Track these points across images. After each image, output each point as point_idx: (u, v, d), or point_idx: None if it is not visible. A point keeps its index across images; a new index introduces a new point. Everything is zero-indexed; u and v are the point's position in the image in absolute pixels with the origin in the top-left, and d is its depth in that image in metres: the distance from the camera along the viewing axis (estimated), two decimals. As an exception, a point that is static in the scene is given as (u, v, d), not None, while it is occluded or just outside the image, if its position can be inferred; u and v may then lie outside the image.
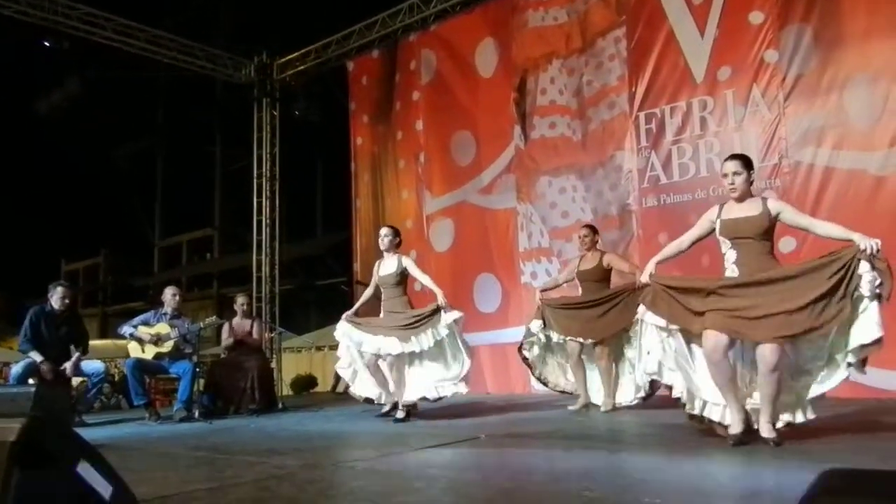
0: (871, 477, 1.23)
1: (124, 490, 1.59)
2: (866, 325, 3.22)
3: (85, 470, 1.47)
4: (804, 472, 2.77)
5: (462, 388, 5.33)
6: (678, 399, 3.64)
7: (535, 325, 5.78)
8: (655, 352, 3.60)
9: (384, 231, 5.70)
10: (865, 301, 3.23)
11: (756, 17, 6.35)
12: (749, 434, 3.43)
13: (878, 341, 3.22)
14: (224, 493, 2.86)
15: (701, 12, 6.69)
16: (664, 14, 6.93)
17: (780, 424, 3.49)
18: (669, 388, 3.67)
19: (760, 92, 6.35)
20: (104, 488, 1.52)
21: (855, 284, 3.23)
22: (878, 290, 3.18)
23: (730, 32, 6.52)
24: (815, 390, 3.48)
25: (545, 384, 6.01)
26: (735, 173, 3.62)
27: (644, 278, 3.76)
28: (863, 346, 3.25)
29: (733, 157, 3.76)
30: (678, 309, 3.55)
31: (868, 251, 3.20)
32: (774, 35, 6.25)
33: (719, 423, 3.56)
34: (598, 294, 5.51)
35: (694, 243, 3.91)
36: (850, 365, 3.32)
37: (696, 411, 3.60)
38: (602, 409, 5.41)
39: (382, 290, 5.67)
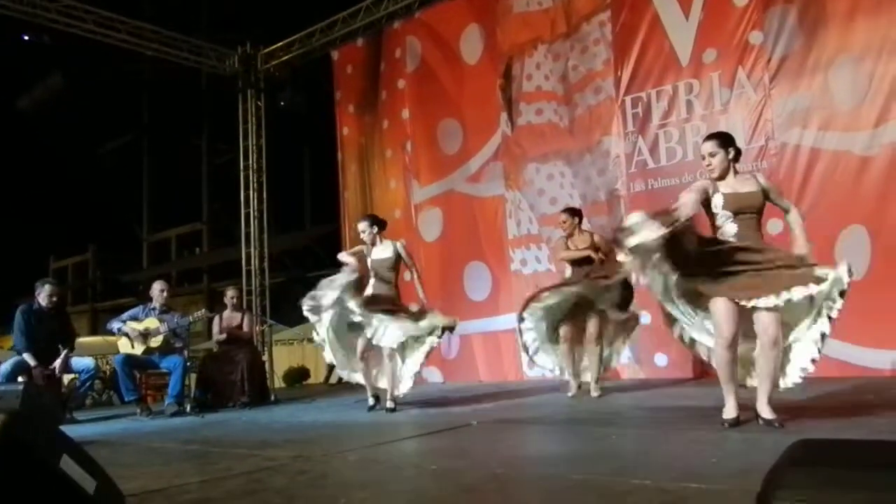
0: (839, 446, 1.24)
1: (108, 484, 1.58)
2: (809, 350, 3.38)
3: (67, 465, 1.46)
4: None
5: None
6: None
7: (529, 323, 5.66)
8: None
9: (361, 226, 5.51)
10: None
11: (740, -1, 6.34)
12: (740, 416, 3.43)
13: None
14: (216, 486, 2.85)
15: (685, -5, 6.67)
16: (649, -3, 6.91)
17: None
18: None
19: (746, 74, 6.34)
20: (88, 483, 1.50)
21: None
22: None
23: (714, 15, 6.50)
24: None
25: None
26: (710, 154, 3.59)
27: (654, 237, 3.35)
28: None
29: (709, 136, 3.71)
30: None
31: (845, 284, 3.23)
32: (759, 16, 6.24)
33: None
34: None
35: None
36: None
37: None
38: (593, 394, 5.41)
39: (375, 275, 5.49)
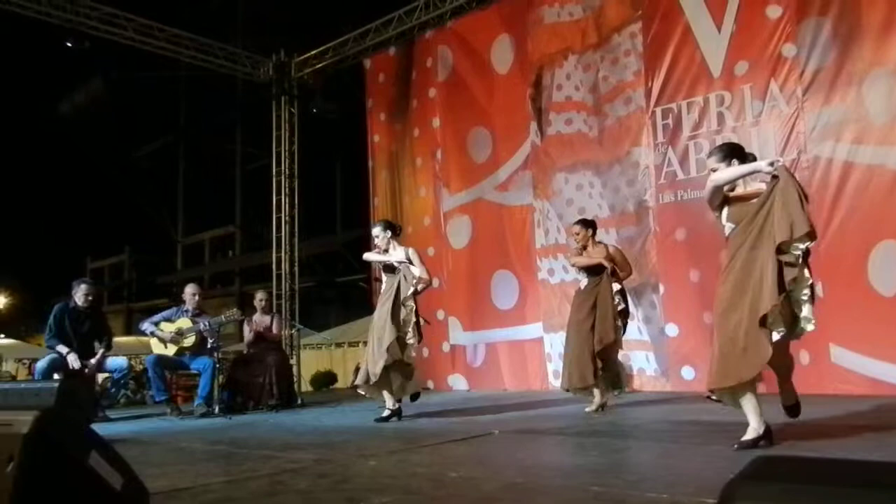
0: (799, 463, 1.25)
1: (135, 481, 1.64)
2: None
3: (96, 462, 1.52)
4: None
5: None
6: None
7: None
8: None
9: (375, 231, 5.52)
10: None
11: (773, 11, 6.29)
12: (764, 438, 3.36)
13: None
14: (239, 487, 2.92)
15: (717, 6, 6.65)
16: (680, 8, 6.89)
17: None
18: None
19: (778, 86, 6.29)
20: (115, 480, 1.57)
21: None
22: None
23: (747, 26, 6.46)
24: None
25: None
26: (713, 171, 3.49)
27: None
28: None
29: (712, 151, 3.58)
30: None
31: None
32: (792, 29, 6.19)
33: None
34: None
35: None
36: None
37: None
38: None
39: (386, 277, 5.53)
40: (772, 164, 3.25)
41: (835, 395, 5.47)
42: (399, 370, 5.31)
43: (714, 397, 3.34)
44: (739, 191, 3.47)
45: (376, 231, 5.54)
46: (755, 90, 6.43)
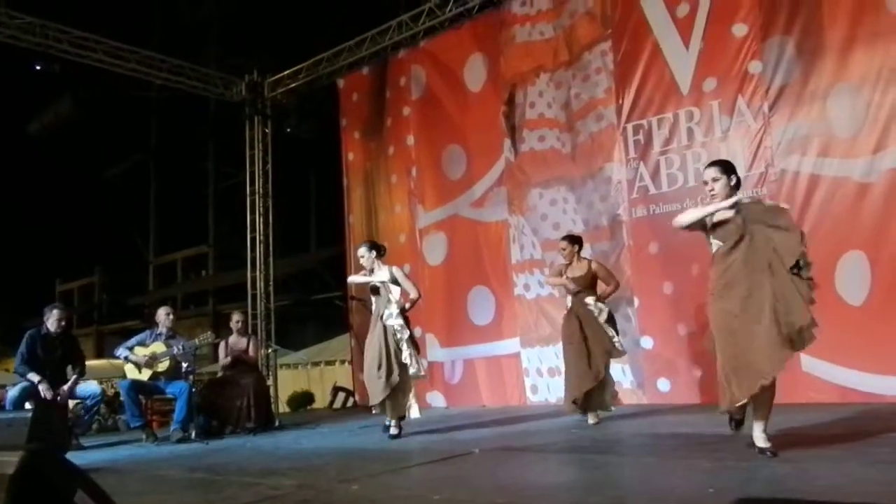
0: None
1: (120, 518, 1.63)
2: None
3: (82, 499, 1.51)
4: (793, 479, 2.82)
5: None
6: None
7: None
8: None
9: (361, 251, 5.59)
10: None
11: (739, 30, 6.44)
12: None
13: None
14: (220, 515, 2.90)
15: (685, 25, 6.79)
16: (649, 27, 7.02)
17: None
18: None
19: (745, 102, 6.43)
20: (100, 517, 1.56)
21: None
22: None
23: (714, 44, 6.61)
24: None
25: None
26: (714, 179, 3.62)
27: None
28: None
29: (712, 163, 3.75)
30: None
31: None
32: (758, 47, 6.34)
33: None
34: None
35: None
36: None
37: None
38: (590, 421, 5.43)
39: (374, 299, 5.61)
40: (734, 205, 3.44)
41: (806, 404, 5.57)
42: (399, 390, 5.35)
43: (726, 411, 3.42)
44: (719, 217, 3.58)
45: (362, 251, 5.59)
46: (723, 106, 6.57)
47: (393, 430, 5.33)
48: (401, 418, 5.40)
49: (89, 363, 7.79)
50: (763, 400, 3.38)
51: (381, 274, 5.52)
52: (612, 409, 5.61)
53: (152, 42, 10.71)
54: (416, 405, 5.54)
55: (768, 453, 3.29)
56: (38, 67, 9.13)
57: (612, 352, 5.43)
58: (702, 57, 6.70)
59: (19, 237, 25.69)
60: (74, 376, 6.30)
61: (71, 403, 6.63)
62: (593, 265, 5.63)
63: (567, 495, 2.78)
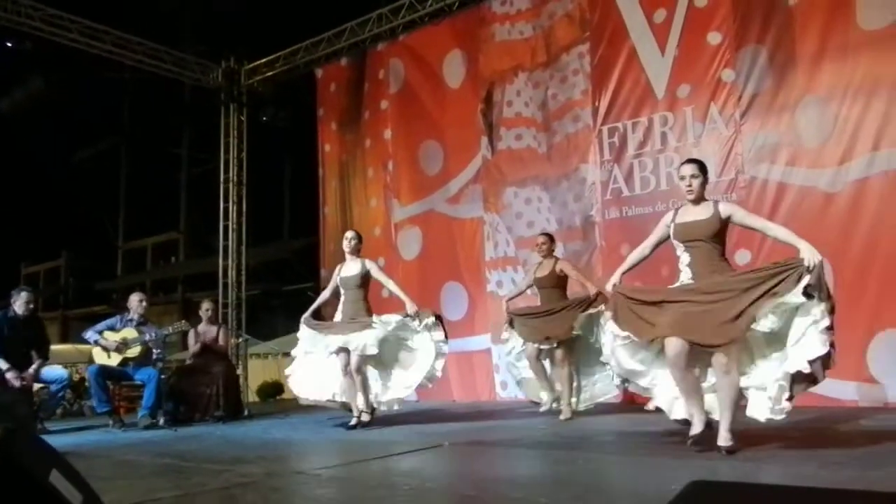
0: (730, 489, 1.36)
1: (93, 498, 1.65)
2: (810, 343, 3.33)
3: (56, 479, 1.53)
4: (750, 476, 2.92)
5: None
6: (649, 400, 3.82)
7: (505, 335, 5.96)
8: (622, 359, 3.75)
9: (350, 234, 5.85)
10: (806, 321, 3.34)
11: (714, 38, 6.57)
12: (708, 432, 3.54)
13: (819, 364, 3.32)
14: (189, 501, 2.92)
15: (661, 31, 6.90)
16: (626, 32, 7.12)
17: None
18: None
19: (718, 109, 6.56)
20: (74, 496, 1.58)
21: (793, 286, 3.34)
22: (808, 291, 3.30)
23: (689, 51, 6.73)
24: (756, 410, 3.59)
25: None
26: (692, 176, 3.75)
27: (608, 288, 3.91)
28: (804, 364, 3.34)
29: (690, 161, 3.90)
30: (638, 322, 3.68)
31: (810, 265, 3.34)
32: (731, 55, 6.47)
33: (684, 420, 3.69)
34: (555, 303, 5.70)
35: (655, 248, 4.06)
36: (791, 386, 3.39)
37: (664, 408, 3.78)
38: (561, 417, 5.53)
39: (343, 291, 5.74)
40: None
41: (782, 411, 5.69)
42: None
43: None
44: (682, 219, 3.76)
45: (352, 234, 5.88)
46: (696, 112, 6.69)
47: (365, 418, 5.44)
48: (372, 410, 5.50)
49: (55, 347, 7.70)
50: (722, 397, 3.49)
51: (352, 266, 5.64)
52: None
53: (128, 23, 10.52)
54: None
55: (724, 452, 3.38)
56: (8, 45, 8.95)
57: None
58: (677, 63, 6.81)
59: (-17, 217, 25.13)
60: (39, 360, 6.24)
61: (36, 387, 6.56)
62: (558, 266, 5.78)
63: (534, 490, 2.84)
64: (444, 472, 3.43)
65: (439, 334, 5.50)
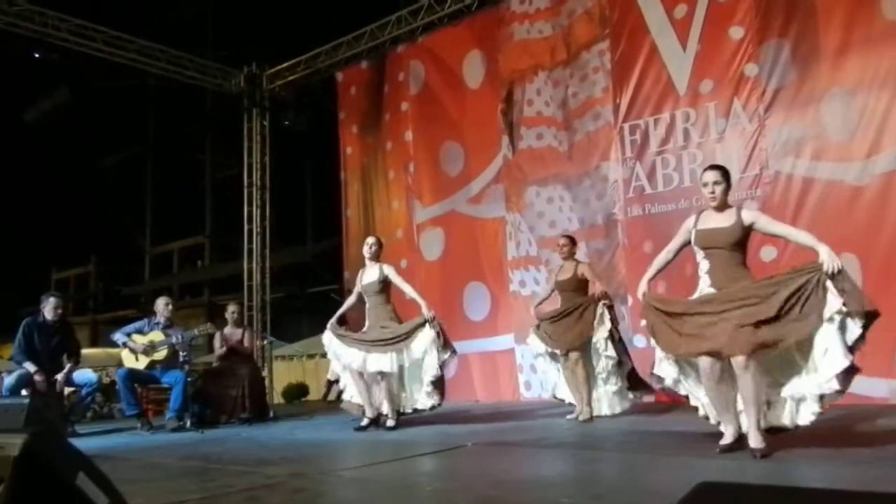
0: (736, 490, 1.34)
1: (119, 499, 1.68)
2: (834, 356, 3.28)
3: (83, 482, 1.56)
4: (774, 477, 2.88)
5: (435, 400, 5.48)
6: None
7: (532, 341, 5.92)
8: (668, 370, 3.72)
9: (371, 240, 5.86)
10: (833, 330, 3.28)
11: (736, 32, 6.49)
12: (739, 443, 3.50)
13: (844, 376, 3.26)
14: (214, 503, 2.95)
15: (683, 26, 6.83)
16: (647, 28, 7.06)
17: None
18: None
19: (741, 104, 6.49)
20: (101, 499, 1.60)
21: (822, 304, 3.28)
22: (844, 310, 3.24)
23: (711, 46, 6.66)
24: (788, 417, 3.54)
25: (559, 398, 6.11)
26: (715, 183, 3.71)
27: (639, 297, 3.87)
28: (832, 379, 3.27)
29: (713, 167, 3.85)
30: (670, 335, 3.64)
31: (830, 271, 3.29)
32: (754, 49, 6.39)
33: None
34: (569, 304, 5.66)
35: (678, 252, 4.01)
36: (821, 398, 3.36)
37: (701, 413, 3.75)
38: (580, 418, 5.50)
39: (367, 298, 5.80)
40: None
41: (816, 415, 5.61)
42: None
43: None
44: (703, 226, 3.73)
45: (373, 240, 5.89)
46: (719, 108, 6.62)
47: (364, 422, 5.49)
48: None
49: (85, 351, 7.83)
50: (745, 396, 3.45)
51: (371, 273, 5.68)
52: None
53: (151, 31, 10.68)
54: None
55: (757, 455, 3.31)
56: (36, 55, 9.12)
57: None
58: (698, 59, 6.74)
59: (16, 225, 25.64)
60: (69, 364, 6.35)
61: (67, 391, 6.67)
62: (579, 269, 5.74)
63: (555, 490, 2.83)
64: (467, 472, 3.43)
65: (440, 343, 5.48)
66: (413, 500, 2.79)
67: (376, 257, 5.79)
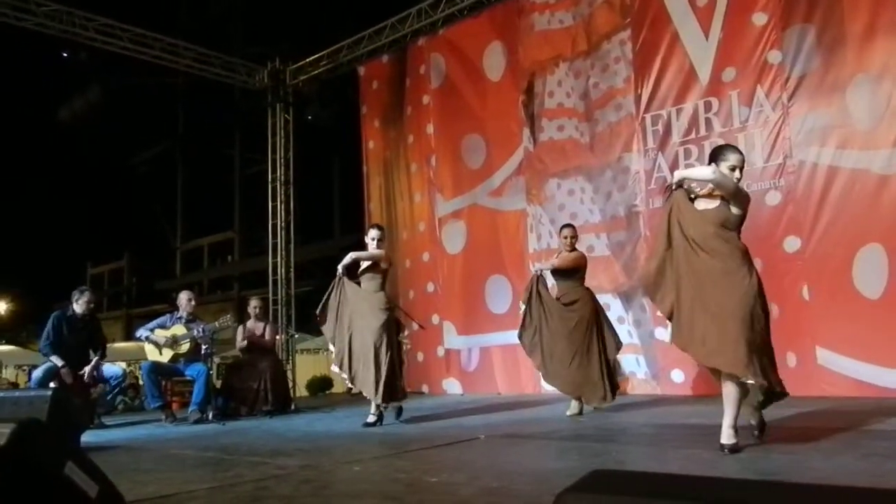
0: (630, 477, 1.32)
1: (110, 489, 1.71)
2: None
3: (72, 471, 1.59)
4: (785, 469, 2.83)
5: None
6: None
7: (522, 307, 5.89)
8: None
9: (374, 233, 5.85)
10: None
11: (759, 19, 6.36)
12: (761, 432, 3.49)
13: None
14: (223, 493, 2.99)
15: (705, 14, 6.71)
16: (668, 16, 6.95)
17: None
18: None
19: (765, 92, 6.36)
20: (90, 488, 1.63)
21: None
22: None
23: (734, 34, 6.53)
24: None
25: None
26: (741, 168, 3.54)
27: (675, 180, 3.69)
28: None
29: (738, 150, 3.64)
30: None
31: None
32: (777, 36, 6.26)
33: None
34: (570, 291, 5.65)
35: None
36: None
37: None
38: (567, 413, 5.48)
39: (362, 280, 5.82)
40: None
41: (820, 397, 5.53)
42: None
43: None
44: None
45: (375, 234, 5.87)
46: (742, 96, 6.50)
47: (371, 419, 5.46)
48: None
49: (118, 345, 7.99)
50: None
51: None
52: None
53: (178, 29, 10.82)
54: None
55: (726, 450, 3.27)
56: (65, 55, 9.29)
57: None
58: (721, 46, 6.62)
59: (52, 222, 26.26)
60: (96, 358, 6.47)
61: (94, 385, 6.80)
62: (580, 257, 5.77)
63: (561, 481, 2.80)
64: (475, 464, 3.42)
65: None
66: (416, 492, 2.79)
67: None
